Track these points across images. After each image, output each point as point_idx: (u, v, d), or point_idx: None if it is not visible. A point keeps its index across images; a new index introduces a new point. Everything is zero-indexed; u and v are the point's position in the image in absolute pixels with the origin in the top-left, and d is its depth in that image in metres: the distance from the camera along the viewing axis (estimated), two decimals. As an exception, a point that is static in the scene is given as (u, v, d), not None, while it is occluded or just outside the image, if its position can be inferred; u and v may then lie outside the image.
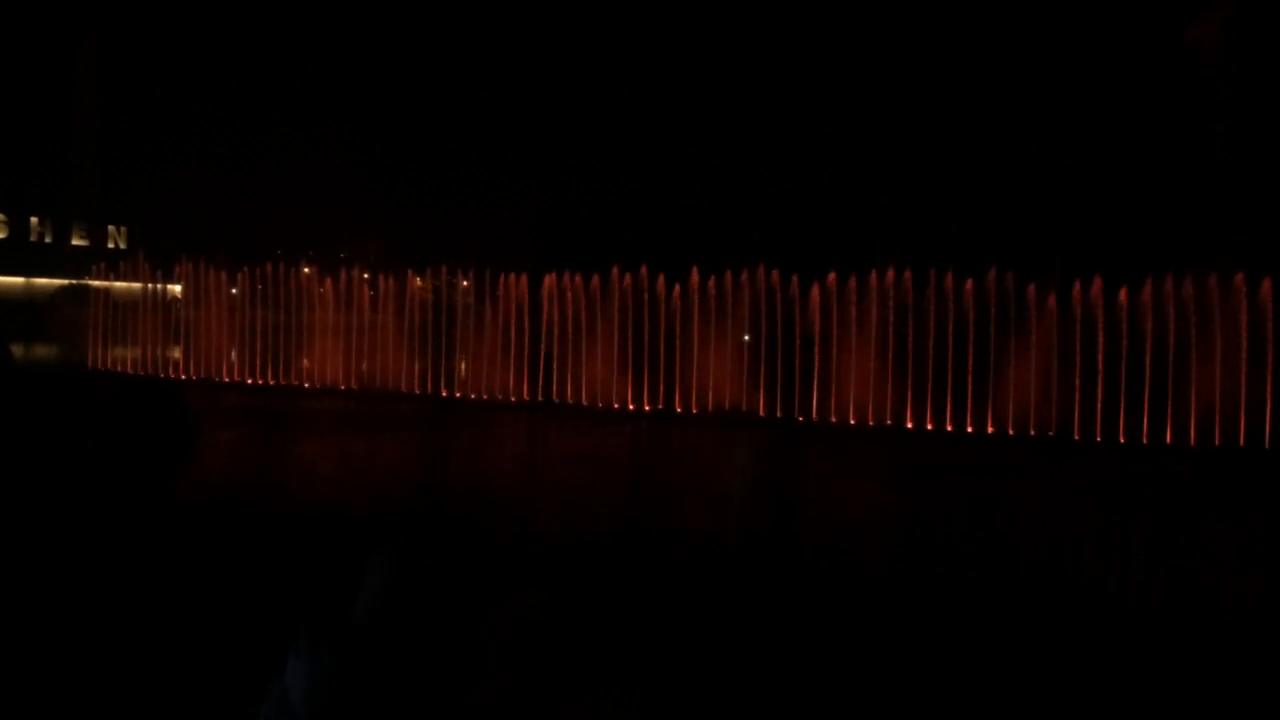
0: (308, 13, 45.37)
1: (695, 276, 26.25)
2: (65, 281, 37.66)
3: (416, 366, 29.70)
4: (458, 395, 28.52)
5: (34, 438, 3.20)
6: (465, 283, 29.69)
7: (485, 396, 27.97)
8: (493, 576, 2.37)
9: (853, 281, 24.50)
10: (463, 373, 29.26)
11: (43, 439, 3.16)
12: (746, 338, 25.75)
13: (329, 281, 31.59)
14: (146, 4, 44.84)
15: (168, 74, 44.83)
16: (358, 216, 43.44)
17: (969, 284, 23.50)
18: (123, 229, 45.24)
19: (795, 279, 25.35)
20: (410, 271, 30.56)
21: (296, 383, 30.87)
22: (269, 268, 31.78)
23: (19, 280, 39.70)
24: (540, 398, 27.26)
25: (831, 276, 24.81)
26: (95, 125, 43.84)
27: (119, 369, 32.92)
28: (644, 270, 26.70)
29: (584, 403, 26.60)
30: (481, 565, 2.40)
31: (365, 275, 32.80)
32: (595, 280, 27.20)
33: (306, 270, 32.89)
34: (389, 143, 45.14)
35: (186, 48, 45.27)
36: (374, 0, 47.30)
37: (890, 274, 24.30)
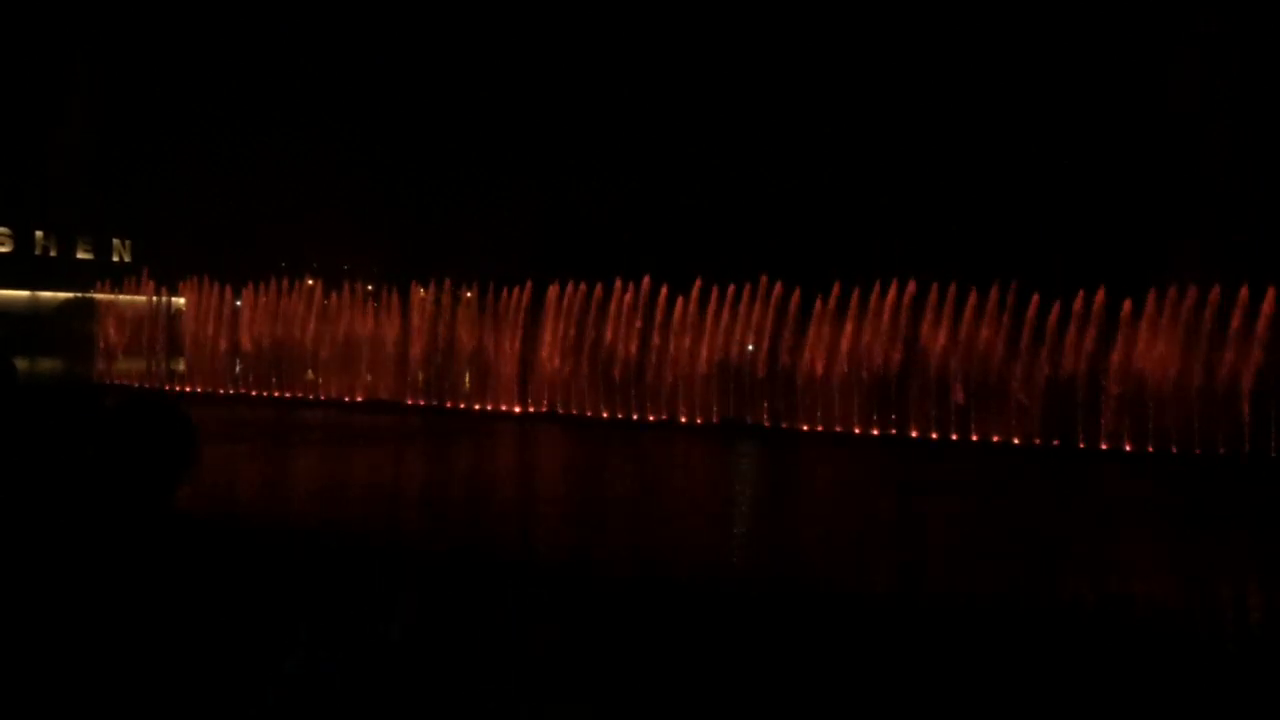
0: (308, 23, 45.55)
1: (696, 289, 26.22)
2: (70, 295, 37.73)
3: (420, 377, 29.72)
4: (461, 406, 28.50)
5: (37, 450, 3.22)
6: (469, 294, 29.70)
7: (489, 407, 27.97)
8: (496, 583, 2.39)
9: (854, 300, 24.50)
10: (466, 383, 29.26)
11: (45, 451, 3.17)
12: (751, 347, 25.73)
13: (332, 294, 31.64)
14: (151, 18, 45.01)
15: (171, 87, 45.00)
16: (360, 225, 43.50)
17: (971, 296, 23.46)
18: (127, 242, 45.24)
19: (796, 292, 25.33)
20: (415, 283, 30.58)
21: (301, 394, 30.91)
22: (272, 280, 31.86)
23: (24, 293, 39.74)
24: (544, 409, 27.27)
25: (835, 289, 24.78)
26: (99, 139, 43.95)
27: (123, 382, 32.96)
28: (646, 281, 26.69)
29: (587, 413, 26.59)
30: (483, 574, 2.42)
31: (369, 287, 32.83)
32: (598, 291, 27.19)
33: (310, 282, 32.94)
34: (389, 150, 45.24)
35: (190, 62, 45.44)
36: (374, 10, 47.46)
37: (893, 287, 24.26)
